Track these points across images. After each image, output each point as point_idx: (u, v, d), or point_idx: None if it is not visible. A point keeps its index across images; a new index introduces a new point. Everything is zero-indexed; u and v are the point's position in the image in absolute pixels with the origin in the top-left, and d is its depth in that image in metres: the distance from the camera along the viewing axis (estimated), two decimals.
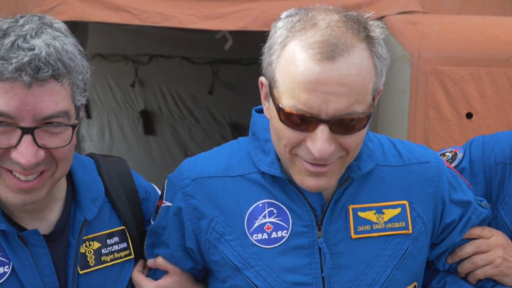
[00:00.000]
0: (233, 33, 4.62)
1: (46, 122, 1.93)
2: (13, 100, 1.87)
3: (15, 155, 1.92)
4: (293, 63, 1.89)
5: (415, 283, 2.23)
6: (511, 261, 2.30)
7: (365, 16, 1.96)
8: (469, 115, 4.47)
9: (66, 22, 3.91)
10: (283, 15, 2.00)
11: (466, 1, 5.17)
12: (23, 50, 1.86)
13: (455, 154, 2.52)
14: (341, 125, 1.90)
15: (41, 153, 1.94)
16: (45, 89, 1.90)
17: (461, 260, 2.32)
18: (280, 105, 1.92)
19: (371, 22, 1.96)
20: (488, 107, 4.45)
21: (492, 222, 2.41)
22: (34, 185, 2.00)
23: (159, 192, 2.42)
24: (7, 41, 1.87)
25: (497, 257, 2.29)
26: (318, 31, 1.88)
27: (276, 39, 1.96)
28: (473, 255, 2.30)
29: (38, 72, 1.87)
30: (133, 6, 4.37)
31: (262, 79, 2.05)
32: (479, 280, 2.33)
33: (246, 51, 5.24)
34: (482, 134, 2.57)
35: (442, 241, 2.28)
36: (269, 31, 2.04)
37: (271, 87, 1.98)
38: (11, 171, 1.96)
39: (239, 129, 8.67)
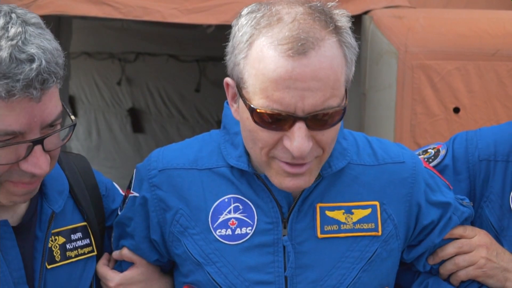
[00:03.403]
0: (220, 29, 4.59)
1: (51, 127, 1.91)
2: (22, 116, 1.83)
3: (27, 166, 1.88)
4: (263, 61, 1.83)
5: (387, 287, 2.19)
6: (495, 262, 2.24)
7: (329, 6, 1.92)
8: (456, 110, 4.46)
9: (48, 17, 3.87)
10: (244, 11, 1.94)
11: None
12: (23, 62, 1.80)
13: (438, 151, 2.46)
14: (317, 120, 1.86)
15: (48, 157, 1.93)
16: (47, 95, 1.86)
17: (443, 261, 2.26)
18: (252, 106, 1.86)
19: (336, 11, 1.92)
20: (475, 101, 4.44)
21: (477, 220, 2.36)
22: (37, 185, 1.99)
23: (118, 189, 2.42)
24: (4, 54, 1.80)
25: (480, 258, 2.23)
26: (284, 25, 1.82)
27: (241, 37, 1.90)
28: (455, 255, 2.24)
29: (43, 83, 1.82)
30: None
31: (227, 80, 2.00)
32: (463, 282, 2.27)
33: None
34: (469, 129, 2.53)
35: (420, 243, 2.22)
36: None
37: (239, 88, 1.93)
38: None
39: None
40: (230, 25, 2.01)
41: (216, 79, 8.64)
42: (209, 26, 4.51)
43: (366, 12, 4.64)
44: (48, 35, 1.91)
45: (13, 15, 1.88)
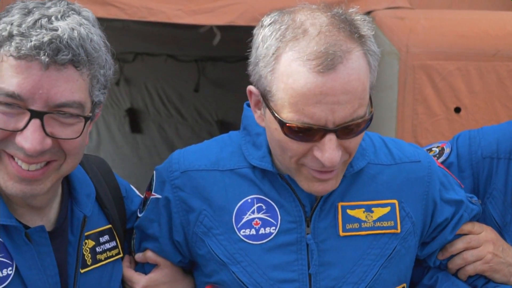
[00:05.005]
0: (219, 29, 4.59)
1: (58, 110, 1.84)
2: (27, 81, 1.78)
3: (20, 139, 1.81)
4: (292, 76, 1.86)
5: (404, 284, 2.23)
6: (501, 257, 2.30)
7: (350, 12, 1.94)
8: (457, 110, 4.48)
9: None
10: (266, 21, 1.96)
11: None
12: (46, 29, 1.78)
13: (442, 149, 2.52)
14: (346, 130, 1.89)
15: (48, 141, 1.84)
16: (62, 74, 1.81)
17: (452, 256, 2.32)
18: (282, 119, 1.89)
19: (357, 18, 1.94)
20: (476, 101, 4.47)
21: (480, 216, 2.41)
22: (37, 175, 1.87)
23: (135, 190, 2.42)
24: (30, 18, 1.79)
25: (487, 253, 2.29)
26: (311, 39, 1.85)
27: (266, 50, 1.92)
28: (464, 251, 2.30)
29: (57, 53, 1.78)
30: (120, 0, 4.32)
31: (251, 88, 2.02)
32: (470, 277, 2.32)
33: (232, 48, 5.20)
34: (470, 129, 2.57)
35: (434, 239, 2.27)
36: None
37: (266, 98, 1.95)
38: (13, 157, 1.85)
39: (226, 127, 8.63)
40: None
41: (215, 79, 8.62)
42: (214, 34, 4.50)
43: (367, 13, 4.65)
44: (94, 29, 1.89)
45: (64, 2, 1.89)
